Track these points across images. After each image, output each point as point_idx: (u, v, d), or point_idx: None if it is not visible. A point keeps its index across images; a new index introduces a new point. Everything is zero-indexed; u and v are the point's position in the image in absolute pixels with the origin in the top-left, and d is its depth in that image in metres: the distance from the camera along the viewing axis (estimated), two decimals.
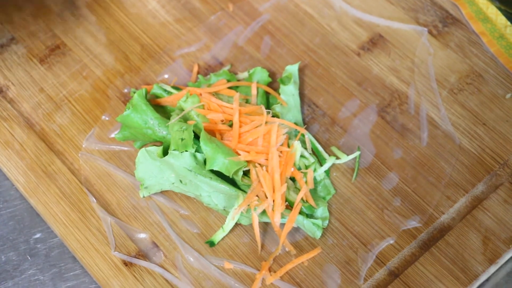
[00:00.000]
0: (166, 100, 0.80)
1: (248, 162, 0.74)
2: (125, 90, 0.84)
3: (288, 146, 0.76)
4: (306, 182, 0.75)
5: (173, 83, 0.84)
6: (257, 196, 0.73)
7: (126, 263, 0.74)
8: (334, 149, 0.80)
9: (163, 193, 0.77)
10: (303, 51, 0.88)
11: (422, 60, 0.87)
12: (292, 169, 0.75)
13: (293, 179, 0.76)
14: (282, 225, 0.73)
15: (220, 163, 0.72)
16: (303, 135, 0.78)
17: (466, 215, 0.76)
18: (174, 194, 0.77)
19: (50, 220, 0.76)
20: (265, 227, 0.76)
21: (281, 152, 0.75)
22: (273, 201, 0.72)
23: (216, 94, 0.79)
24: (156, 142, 0.78)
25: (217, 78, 0.83)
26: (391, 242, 0.75)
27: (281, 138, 0.75)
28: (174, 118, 0.75)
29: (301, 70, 0.86)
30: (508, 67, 0.86)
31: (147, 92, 0.79)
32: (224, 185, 0.73)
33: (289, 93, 0.81)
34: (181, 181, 0.74)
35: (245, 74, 0.84)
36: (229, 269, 0.73)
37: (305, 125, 0.81)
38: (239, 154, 0.74)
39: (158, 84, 0.81)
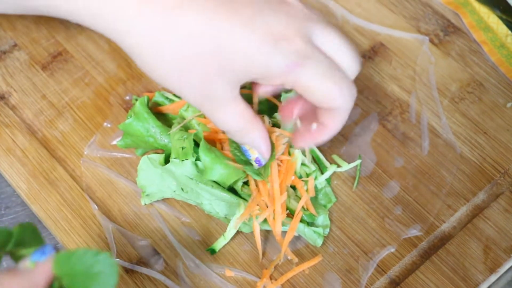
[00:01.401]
0: (167, 108, 0.80)
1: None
2: (127, 97, 0.85)
3: (289, 154, 0.76)
4: (307, 190, 0.75)
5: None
6: (257, 205, 0.73)
7: (127, 270, 0.74)
8: (335, 157, 0.80)
9: (164, 200, 0.77)
10: None
11: (423, 68, 0.87)
12: (293, 177, 0.75)
13: (293, 187, 0.76)
14: (283, 232, 0.73)
15: (218, 173, 0.72)
16: None
17: (467, 224, 0.76)
18: (176, 202, 0.77)
19: (52, 226, 0.77)
20: (266, 234, 0.76)
21: (281, 161, 0.75)
22: (273, 210, 0.72)
23: None
24: (158, 150, 0.78)
25: None
26: (392, 250, 0.75)
27: (281, 148, 0.75)
28: (175, 127, 0.75)
29: None
30: (509, 76, 0.86)
31: (149, 100, 0.79)
32: (225, 193, 0.73)
33: None
34: (182, 189, 0.74)
35: (246, 82, 0.84)
36: (230, 277, 0.74)
37: None
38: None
39: (160, 91, 0.82)
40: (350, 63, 0.66)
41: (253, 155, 0.70)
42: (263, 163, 0.71)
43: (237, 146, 0.74)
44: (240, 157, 0.73)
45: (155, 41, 0.61)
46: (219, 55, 0.61)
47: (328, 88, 0.64)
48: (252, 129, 0.67)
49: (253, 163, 0.71)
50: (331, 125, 0.67)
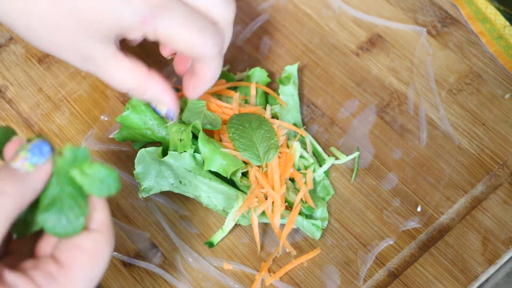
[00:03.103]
0: None
1: (246, 163, 0.74)
2: None
3: (288, 147, 0.76)
4: (305, 183, 0.75)
5: (172, 84, 0.83)
6: (256, 197, 0.72)
7: (125, 264, 0.74)
8: (333, 149, 0.80)
9: (162, 193, 0.77)
10: (302, 51, 0.88)
11: (421, 60, 0.87)
12: (292, 169, 0.75)
13: (292, 179, 0.76)
14: (282, 225, 0.73)
15: (218, 164, 0.72)
16: (302, 135, 0.78)
17: (466, 216, 0.76)
18: (173, 195, 0.77)
19: None
20: (265, 227, 0.76)
21: (280, 153, 0.75)
22: (273, 202, 0.72)
23: (215, 95, 0.79)
24: (155, 142, 0.78)
25: None
26: (391, 242, 0.75)
27: (281, 139, 0.75)
28: None
29: (300, 71, 0.86)
30: (507, 67, 0.86)
31: None
32: (223, 185, 0.73)
33: (288, 94, 0.81)
34: (180, 182, 0.74)
35: (244, 74, 0.84)
36: (228, 270, 0.73)
37: (304, 126, 0.81)
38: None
39: None
40: (219, 9, 0.66)
41: (162, 110, 0.69)
42: (174, 116, 0.70)
43: (236, 131, 0.73)
44: (240, 142, 0.73)
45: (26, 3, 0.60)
46: (76, 14, 0.61)
47: (189, 37, 0.64)
48: (149, 84, 0.67)
49: (166, 119, 0.71)
50: (204, 74, 0.69)
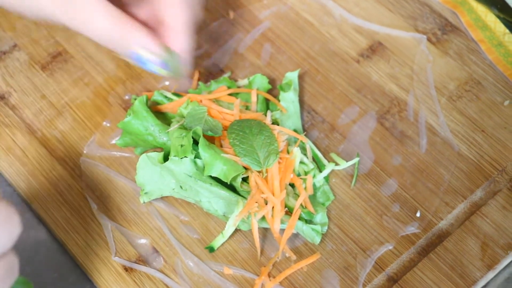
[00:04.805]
0: (166, 107, 0.81)
1: (247, 168, 0.74)
2: (126, 97, 0.85)
3: (288, 152, 0.76)
4: (305, 188, 0.76)
5: (173, 90, 0.84)
6: (256, 202, 0.73)
7: (126, 269, 0.74)
8: (333, 155, 0.81)
9: (163, 198, 0.78)
10: (303, 58, 0.88)
11: (421, 67, 0.87)
12: (292, 175, 0.75)
13: (292, 185, 0.76)
14: (282, 230, 0.74)
15: (219, 169, 0.73)
16: (302, 141, 0.79)
17: (465, 221, 0.77)
18: (174, 200, 0.78)
19: (51, 225, 0.77)
20: (265, 232, 0.76)
21: (280, 158, 0.75)
22: (273, 207, 0.73)
23: (216, 101, 0.80)
24: (157, 148, 0.79)
25: (217, 85, 0.83)
26: (390, 248, 0.75)
27: (281, 145, 0.75)
28: (175, 125, 0.76)
29: (300, 77, 0.86)
30: (506, 74, 0.86)
31: (148, 99, 0.79)
32: (224, 191, 0.73)
33: (289, 100, 0.81)
34: (181, 187, 0.75)
35: (245, 81, 0.85)
36: (228, 275, 0.74)
37: (305, 132, 0.82)
38: None
39: (159, 91, 0.82)
40: None
41: (154, 61, 0.63)
42: (169, 64, 0.64)
43: (236, 136, 0.74)
44: (240, 147, 0.73)
45: None
46: None
47: None
48: (131, 29, 0.61)
49: (161, 71, 0.64)
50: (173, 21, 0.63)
